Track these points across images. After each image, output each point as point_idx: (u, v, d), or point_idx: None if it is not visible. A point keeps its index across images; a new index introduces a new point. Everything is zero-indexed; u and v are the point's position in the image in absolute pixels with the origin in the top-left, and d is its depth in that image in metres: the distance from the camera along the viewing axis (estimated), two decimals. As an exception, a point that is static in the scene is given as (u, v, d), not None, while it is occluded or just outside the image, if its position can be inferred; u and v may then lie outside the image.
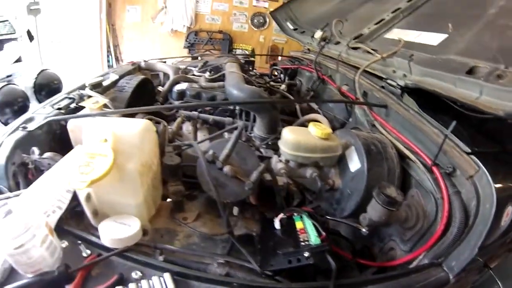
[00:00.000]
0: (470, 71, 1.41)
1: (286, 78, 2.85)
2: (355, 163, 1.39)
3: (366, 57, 2.05)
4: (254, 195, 1.42)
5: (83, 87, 1.88)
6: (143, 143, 1.18)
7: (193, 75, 2.50)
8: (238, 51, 8.12)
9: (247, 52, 8.14)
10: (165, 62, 2.92)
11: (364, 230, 1.22)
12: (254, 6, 8.21)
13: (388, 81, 1.78)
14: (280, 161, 1.39)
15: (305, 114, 2.13)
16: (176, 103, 2.07)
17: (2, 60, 7.12)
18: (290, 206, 1.43)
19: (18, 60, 7.46)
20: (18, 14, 7.55)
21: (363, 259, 1.36)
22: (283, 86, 2.55)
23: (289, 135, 1.34)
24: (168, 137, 1.65)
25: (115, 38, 7.95)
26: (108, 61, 7.89)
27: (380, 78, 1.88)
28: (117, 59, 7.98)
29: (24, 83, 2.27)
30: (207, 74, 2.33)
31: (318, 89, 2.48)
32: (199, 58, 3.86)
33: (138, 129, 1.15)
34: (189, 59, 3.73)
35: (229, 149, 1.27)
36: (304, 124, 1.88)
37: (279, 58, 4.32)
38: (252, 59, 7.62)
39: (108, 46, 7.82)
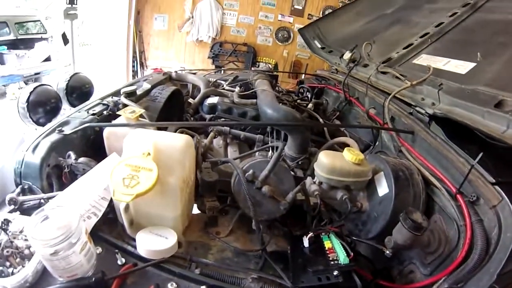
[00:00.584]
0: (498, 104, 1.41)
1: (313, 97, 2.86)
2: (383, 188, 1.41)
3: (395, 83, 2.06)
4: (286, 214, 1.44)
5: (116, 94, 1.92)
6: (185, 158, 1.21)
7: (223, 89, 2.53)
8: (262, 64, 8.21)
9: (270, 66, 8.20)
10: (195, 73, 2.97)
11: (388, 252, 1.24)
12: (279, 20, 8.35)
13: (417, 108, 1.78)
14: (314, 183, 1.41)
15: (332, 134, 2.14)
16: (208, 116, 2.10)
17: (32, 58, 7.33)
18: (318, 226, 1.46)
19: (48, 59, 7.69)
20: (50, 14, 7.77)
21: (383, 280, 1.38)
22: (310, 105, 2.57)
23: (325, 159, 1.37)
24: (201, 151, 1.68)
25: (141, 45, 8.16)
26: (133, 66, 8.08)
27: (409, 104, 1.88)
28: (141, 65, 8.15)
29: (56, 84, 2.31)
30: (237, 89, 2.35)
31: (344, 110, 2.49)
32: (222, 72, 3.88)
33: (180, 145, 1.19)
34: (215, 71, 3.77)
35: (268, 170, 1.29)
36: (333, 146, 1.91)
37: (303, 76, 4.31)
38: (276, 73, 7.75)
39: (134, 52, 8.03)
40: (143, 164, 1.09)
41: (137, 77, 7.93)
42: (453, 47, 2.19)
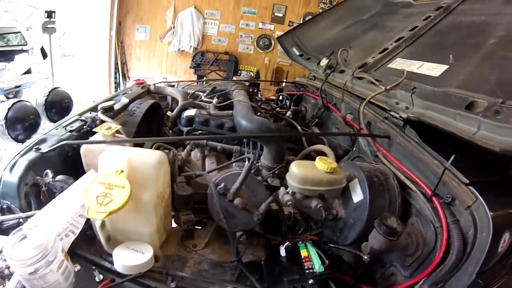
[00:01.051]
0: (469, 106, 1.45)
1: (292, 104, 2.88)
2: (358, 195, 1.43)
3: (370, 88, 2.08)
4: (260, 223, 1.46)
5: (94, 109, 1.92)
6: (158, 175, 1.22)
7: (201, 100, 2.54)
8: (243, 73, 8.24)
9: (252, 74, 8.24)
10: (174, 85, 2.98)
11: (365, 257, 1.26)
12: (260, 28, 8.40)
13: (391, 112, 1.81)
14: (287, 193, 1.43)
15: (311, 141, 2.16)
16: (185, 129, 2.11)
17: (12, 70, 7.22)
18: (295, 234, 1.48)
19: (28, 71, 7.57)
20: (32, 25, 7.65)
21: (365, 284, 1.40)
22: (288, 113, 2.58)
23: (296, 169, 1.39)
24: (178, 164, 1.70)
25: (123, 56, 8.08)
26: (115, 77, 8.01)
27: (384, 109, 1.90)
28: (124, 76, 8.09)
29: (35, 99, 2.30)
30: (215, 101, 2.37)
31: (323, 116, 2.50)
32: (204, 82, 3.90)
33: (153, 161, 1.20)
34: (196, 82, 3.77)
35: (240, 183, 1.31)
36: (310, 154, 1.93)
37: (283, 84, 4.34)
38: (257, 81, 7.78)
39: (116, 63, 7.96)
40: (116, 182, 1.10)
41: (120, 88, 7.87)
42: (426, 50, 2.24)
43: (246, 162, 1.73)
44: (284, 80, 7.95)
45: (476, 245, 1.15)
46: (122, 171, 1.13)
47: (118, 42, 7.88)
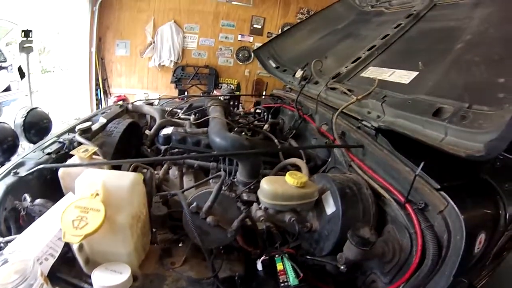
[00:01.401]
0: (436, 112, 1.48)
1: (269, 117, 2.91)
2: (331, 207, 1.46)
3: (343, 98, 2.11)
4: (241, 237, 1.49)
5: (72, 130, 1.93)
6: (133, 196, 1.25)
7: (179, 118, 2.56)
8: (224, 86, 8.29)
9: (232, 87, 8.28)
10: (152, 103, 3.01)
11: (342, 267, 1.29)
12: (239, 40, 8.49)
13: (364, 122, 1.83)
14: (260, 208, 1.46)
15: (289, 153, 2.16)
16: (163, 148, 2.12)
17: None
18: (277, 248, 1.49)
19: (7, 89, 7.41)
20: (11, 40, 7.52)
21: None
22: (265, 126, 2.61)
23: (266, 186, 1.42)
24: (155, 183, 1.72)
25: (104, 72, 8.02)
26: (97, 94, 7.94)
27: (356, 119, 1.92)
28: (105, 93, 8.03)
29: (13, 120, 2.29)
30: (192, 118, 2.40)
31: (300, 128, 2.53)
32: (186, 99, 3.91)
33: (127, 183, 1.22)
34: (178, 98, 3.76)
35: (211, 201, 1.34)
36: (286, 167, 1.96)
37: (263, 96, 4.36)
38: (238, 93, 7.84)
39: (97, 80, 7.89)
40: (91, 205, 1.12)
41: (101, 105, 7.82)
42: (398, 57, 2.29)
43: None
44: (259, 93, 8.04)
45: (451, 249, 1.18)
46: (97, 194, 1.16)
47: (99, 58, 7.82)
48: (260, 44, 3.74)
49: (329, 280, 1.52)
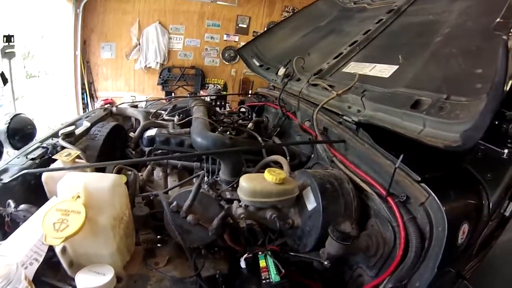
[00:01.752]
0: (415, 105, 1.49)
1: (254, 115, 2.92)
2: (311, 202, 1.47)
3: (325, 94, 2.12)
4: (228, 235, 1.49)
5: (56, 135, 1.93)
6: (114, 197, 1.26)
7: (163, 119, 2.57)
8: (211, 86, 8.30)
9: (219, 86, 8.29)
10: (137, 106, 3.01)
11: (325, 263, 1.30)
12: (225, 40, 8.53)
13: (344, 117, 1.84)
14: (240, 206, 1.47)
15: (274, 151, 2.18)
16: (147, 149, 2.14)
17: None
18: (257, 245, 1.51)
19: (-9, 95, 7.31)
20: None
21: (334, 287, 1.47)
22: (250, 125, 2.62)
23: (245, 183, 1.43)
24: (139, 185, 1.73)
25: (90, 75, 7.94)
26: (83, 98, 7.86)
27: (337, 114, 1.93)
28: (91, 97, 7.97)
29: None
30: (176, 119, 2.41)
31: (285, 125, 2.54)
32: (172, 99, 3.90)
33: (108, 185, 1.23)
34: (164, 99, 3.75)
35: (190, 200, 1.35)
36: (268, 164, 1.98)
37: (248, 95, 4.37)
38: (224, 93, 7.85)
39: (83, 83, 7.81)
40: (72, 208, 1.13)
41: (88, 109, 7.75)
42: (379, 52, 2.31)
43: (206, 178, 1.80)
44: (245, 92, 8.03)
45: (434, 240, 1.20)
46: (78, 196, 1.17)
47: (84, 62, 7.75)
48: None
49: (316, 276, 1.52)
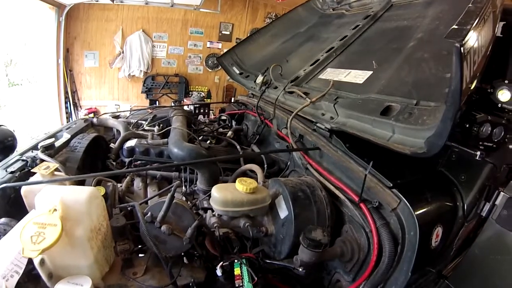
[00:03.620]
0: (385, 111, 1.52)
1: (234, 123, 2.95)
2: (284, 211, 1.49)
3: (300, 101, 2.15)
4: (209, 243, 1.52)
5: (36, 147, 1.92)
6: (91, 209, 1.28)
7: (144, 129, 2.58)
8: (195, 93, 8.25)
9: (203, 94, 8.28)
10: (118, 116, 3.02)
11: (300, 270, 1.33)
12: (208, 47, 8.57)
13: (318, 124, 1.85)
14: (214, 215, 1.50)
15: (253, 159, 2.21)
16: (127, 160, 2.15)
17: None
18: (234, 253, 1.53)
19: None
20: None
21: None
22: (229, 133, 2.65)
23: (216, 193, 1.45)
24: (118, 196, 1.75)
25: (73, 84, 7.85)
26: (67, 107, 7.76)
27: (312, 121, 1.95)
28: (75, 106, 7.88)
29: None
30: (156, 129, 2.44)
31: (264, 133, 2.57)
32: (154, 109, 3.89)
33: (84, 198, 1.26)
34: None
35: (164, 210, 1.38)
36: (245, 173, 2.01)
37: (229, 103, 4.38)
38: (209, 101, 7.85)
39: (66, 92, 7.70)
40: (48, 221, 1.16)
41: (72, 119, 7.66)
42: (355, 58, 2.35)
43: (184, 188, 1.83)
44: (229, 100, 8.03)
45: (406, 245, 1.23)
46: (55, 209, 1.20)
47: (67, 70, 7.65)
48: (228, 51, 3.78)
49: (295, 282, 1.56)
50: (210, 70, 8.83)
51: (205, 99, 8.39)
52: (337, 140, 1.70)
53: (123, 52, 7.94)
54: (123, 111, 3.18)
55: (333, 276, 1.55)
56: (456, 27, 1.12)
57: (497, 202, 1.42)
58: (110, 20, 7.76)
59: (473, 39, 1.11)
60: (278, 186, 1.60)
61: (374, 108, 1.58)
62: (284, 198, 1.52)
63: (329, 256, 1.38)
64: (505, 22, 1.66)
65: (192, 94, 8.27)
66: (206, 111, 3.73)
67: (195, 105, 3.79)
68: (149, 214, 1.39)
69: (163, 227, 1.37)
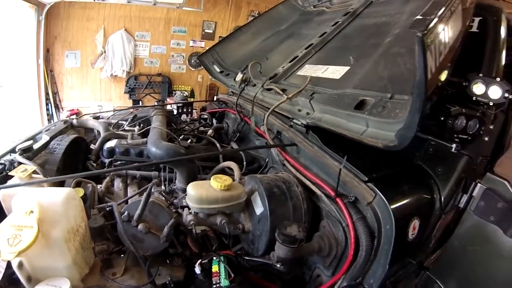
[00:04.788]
0: (359, 105, 1.54)
1: (214, 122, 2.96)
2: (259, 207, 1.51)
3: (277, 98, 2.15)
4: (190, 240, 1.52)
5: (14, 150, 1.91)
6: (67, 211, 1.29)
7: (124, 129, 2.58)
8: (178, 93, 8.22)
9: (186, 93, 8.24)
10: (99, 117, 3.00)
11: (278, 266, 1.34)
12: (191, 46, 8.49)
13: (294, 120, 1.87)
14: (190, 213, 1.51)
15: (232, 157, 2.22)
16: (107, 161, 2.15)
17: None
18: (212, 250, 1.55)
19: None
20: None
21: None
22: (209, 132, 2.65)
23: (192, 191, 1.47)
24: (98, 196, 1.76)
25: (54, 85, 7.66)
26: (48, 109, 7.58)
27: (289, 117, 1.96)
28: (57, 107, 7.72)
29: None
30: (136, 129, 2.44)
31: (244, 130, 2.58)
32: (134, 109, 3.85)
33: (61, 199, 1.27)
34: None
35: (140, 209, 1.39)
36: (224, 170, 2.03)
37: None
38: (192, 99, 7.80)
39: (47, 94, 7.50)
40: (25, 223, 1.16)
41: (53, 120, 7.47)
42: (333, 54, 2.36)
43: (163, 187, 1.83)
44: (212, 98, 7.94)
45: (383, 238, 1.26)
46: (31, 211, 1.20)
47: (47, 71, 7.43)
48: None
49: (275, 278, 1.58)
50: (193, 69, 8.77)
51: (189, 98, 8.39)
52: (313, 136, 1.72)
53: (105, 52, 7.79)
54: (104, 112, 3.14)
55: (313, 271, 1.57)
56: (420, 17, 1.13)
57: (474, 194, 1.43)
58: (92, 19, 7.56)
59: (438, 29, 1.12)
60: (254, 183, 1.61)
61: (349, 103, 1.60)
62: (260, 195, 1.53)
63: (306, 251, 1.40)
64: (481, 18, 1.69)
65: (175, 94, 8.27)
66: (190, 110, 3.72)
67: (177, 105, 3.78)
68: (126, 213, 1.40)
69: (140, 226, 1.38)
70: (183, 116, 3.57)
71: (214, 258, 1.41)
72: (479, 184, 1.42)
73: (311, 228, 1.54)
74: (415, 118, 1.15)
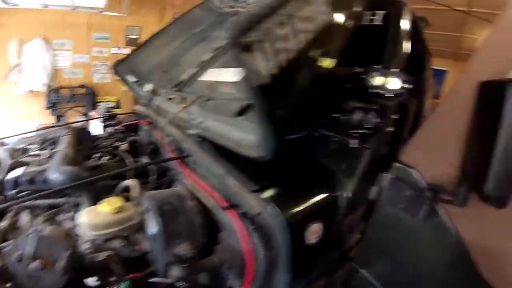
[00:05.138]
0: (242, 111, 1.55)
1: (129, 135, 2.85)
2: (152, 227, 1.47)
3: (179, 107, 2.09)
4: (119, 266, 1.48)
5: None
6: None
7: (32, 155, 2.39)
8: (103, 105, 7.81)
9: (111, 105, 7.92)
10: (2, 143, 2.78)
11: (181, 284, 1.34)
12: (114, 53, 8.05)
13: (190, 130, 1.85)
14: (87, 241, 1.47)
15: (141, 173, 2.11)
16: (13, 192, 1.97)
17: None
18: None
19: None
20: None
21: None
22: (123, 146, 2.56)
23: (82, 218, 1.44)
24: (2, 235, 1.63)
25: None
26: None
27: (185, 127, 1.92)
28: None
29: None
30: (45, 152, 2.30)
31: (158, 142, 2.45)
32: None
33: None
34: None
35: (29, 246, 1.32)
36: (128, 189, 1.94)
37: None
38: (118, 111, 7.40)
39: None
40: None
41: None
42: None
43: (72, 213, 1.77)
44: (118, 113, 7.43)
45: (280, 247, 1.28)
46: None
47: None
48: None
49: None
50: (117, 78, 8.28)
51: (114, 110, 8.07)
52: (207, 145, 1.71)
53: (20, 64, 7.06)
54: (7, 137, 2.86)
55: (226, 282, 1.57)
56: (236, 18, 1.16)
57: (382, 185, 1.45)
58: (2, 25, 6.70)
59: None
60: (147, 201, 1.58)
61: (234, 110, 1.62)
62: (152, 213, 1.50)
63: (205, 266, 1.40)
64: (386, 12, 1.77)
65: (99, 106, 7.91)
66: (115, 123, 3.59)
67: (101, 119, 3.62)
68: (16, 253, 1.33)
69: (34, 264, 1.31)
70: (108, 130, 3.39)
71: (121, 284, 1.39)
72: (385, 175, 1.43)
73: (209, 242, 1.53)
74: (269, 125, 1.19)
